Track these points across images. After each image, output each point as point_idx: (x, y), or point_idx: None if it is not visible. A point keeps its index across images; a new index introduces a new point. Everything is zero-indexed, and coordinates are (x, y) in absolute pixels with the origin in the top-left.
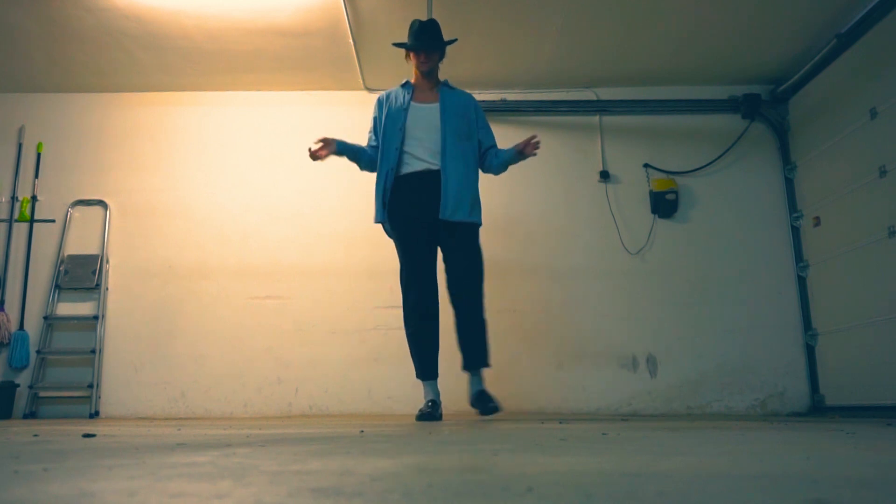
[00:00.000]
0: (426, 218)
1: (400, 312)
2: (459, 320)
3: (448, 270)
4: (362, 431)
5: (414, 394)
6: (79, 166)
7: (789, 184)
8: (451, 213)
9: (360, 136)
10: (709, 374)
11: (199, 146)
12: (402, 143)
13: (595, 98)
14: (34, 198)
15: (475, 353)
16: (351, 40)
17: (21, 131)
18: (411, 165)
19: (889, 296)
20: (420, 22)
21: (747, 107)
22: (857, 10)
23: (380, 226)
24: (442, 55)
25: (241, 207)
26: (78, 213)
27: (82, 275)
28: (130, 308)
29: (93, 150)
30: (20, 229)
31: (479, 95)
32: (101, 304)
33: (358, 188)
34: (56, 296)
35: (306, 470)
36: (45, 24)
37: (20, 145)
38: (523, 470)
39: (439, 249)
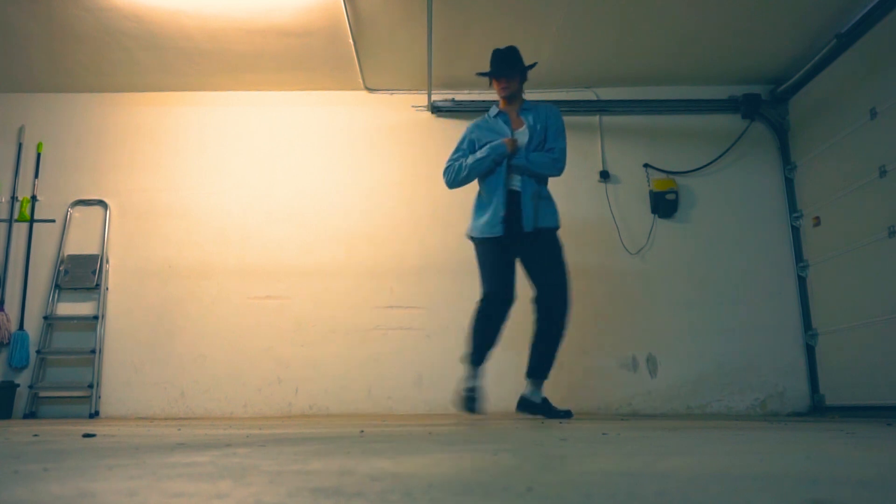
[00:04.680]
0: (515, 232)
1: (400, 312)
2: (542, 330)
3: (535, 285)
4: (362, 431)
5: (414, 394)
6: (79, 166)
7: (789, 184)
8: (531, 224)
9: (359, 135)
10: (709, 374)
11: (199, 146)
12: (509, 166)
13: (595, 98)
14: (34, 198)
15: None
16: (351, 40)
17: (21, 131)
18: (513, 184)
19: (889, 296)
20: (499, 50)
21: (747, 107)
22: (857, 10)
23: (378, 226)
24: (522, 79)
25: (242, 207)
26: (78, 213)
27: (82, 275)
28: (130, 308)
29: (93, 150)
30: (20, 229)
31: (479, 95)
32: (101, 304)
33: (358, 188)
34: (56, 296)
35: (306, 470)
36: (45, 24)
37: (20, 145)
38: (523, 470)
39: (520, 266)
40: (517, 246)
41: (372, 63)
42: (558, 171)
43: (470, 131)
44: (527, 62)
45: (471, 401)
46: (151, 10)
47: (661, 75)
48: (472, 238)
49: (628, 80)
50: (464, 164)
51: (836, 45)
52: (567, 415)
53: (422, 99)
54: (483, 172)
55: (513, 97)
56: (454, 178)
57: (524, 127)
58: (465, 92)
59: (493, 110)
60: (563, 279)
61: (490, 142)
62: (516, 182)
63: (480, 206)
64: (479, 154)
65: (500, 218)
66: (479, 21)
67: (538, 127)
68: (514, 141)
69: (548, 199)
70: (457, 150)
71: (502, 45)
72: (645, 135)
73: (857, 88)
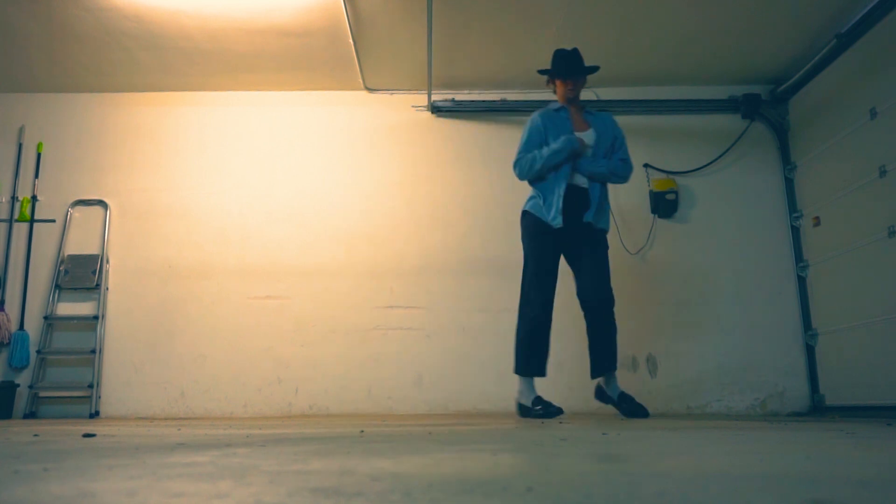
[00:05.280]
0: (570, 228)
1: (400, 312)
2: (598, 325)
3: (586, 276)
4: (362, 431)
5: (414, 394)
6: (79, 166)
7: (789, 184)
8: (594, 219)
9: (359, 135)
10: (709, 374)
11: (199, 146)
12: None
13: (595, 98)
14: (34, 198)
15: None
16: (351, 40)
17: (21, 131)
18: (574, 179)
19: (889, 296)
20: (564, 51)
21: (747, 107)
22: (857, 10)
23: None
24: (584, 82)
25: (241, 207)
26: (78, 213)
27: (82, 275)
28: (130, 308)
29: (93, 150)
30: (20, 229)
31: (479, 95)
32: (101, 304)
33: (358, 188)
34: (56, 296)
35: (306, 470)
36: (45, 24)
37: (20, 145)
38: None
39: (567, 261)
40: (569, 239)
41: (372, 63)
42: (627, 179)
43: (536, 122)
44: (526, 62)
45: (548, 406)
46: (151, 10)
47: (661, 75)
48: (526, 213)
49: (628, 80)
50: (538, 156)
51: (836, 45)
52: (645, 413)
53: (422, 99)
54: (555, 166)
55: (575, 99)
56: (528, 170)
57: (590, 130)
58: (465, 92)
59: (555, 105)
60: (608, 277)
61: (555, 137)
62: (580, 179)
63: (541, 192)
64: (554, 146)
65: (559, 209)
66: (479, 21)
67: (607, 135)
68: (583, 141)
69: (608, 203)
70: (526, 142)
71: (502, 45)
72: (645, 135)
73: (857, 88)
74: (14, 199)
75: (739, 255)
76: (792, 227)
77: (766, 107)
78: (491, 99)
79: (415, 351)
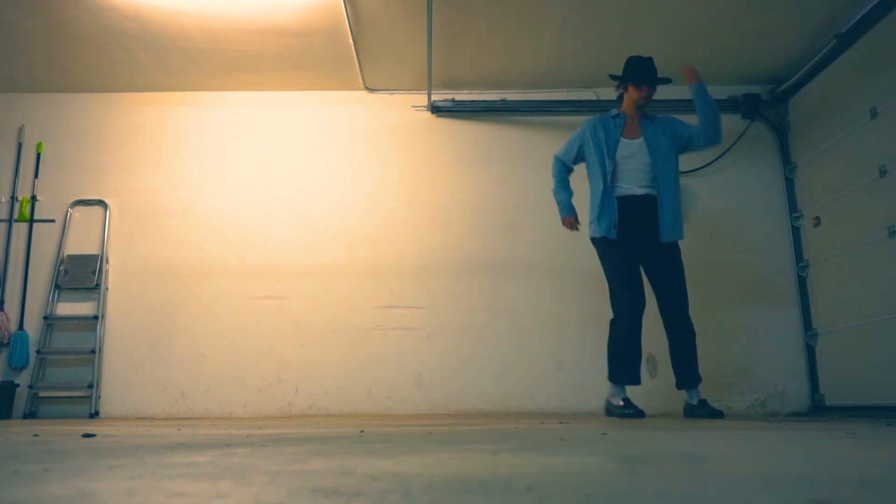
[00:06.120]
0: (640, 238)
1: (400, 312)
2: (679, 338)
3: (663, 290)
4: (362, 431)
5: (414, 394)
6: (79, 166)
7: (789, 184)
8: (670, 235)
9: (359, 135)
10: (709, 374)
11: (199, 146)
12: (615, 171)
13: (595, 98)
14: (34, 198)
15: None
16: (351, 40)
17: (21, 131)
18: (621, 190)
19: (889, 296)
20: (642, 58)
21: (747, 107)
22: (857, 10)
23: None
24: (655, 91)
25: (242, 207)
26: (78, 213)
27: (82, 275)
28: (130, 308)
29: (93, 150)
30: (20, 229)
31: (480, 95)
32: (101, 304)
33: (358, 188)
34: (56, 296)
35: (306, 470)
36: (45, 24)
37: (20, 145)
38: (523, 470)
39: (646, 275)
40: (641, 252)
41: (372, 63)
42: (720, 135)
43: (584, 132)
44: (526, 62)
45: (629, 408)
46: (151, 10)
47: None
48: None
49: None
50: (554, 182)
51: (836, 45)
52: (720, 414)
53: (422, 99)
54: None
55: (644, 106)
56: (553, 179)
57: (640, 139)
58: (465, 92)
59: (613, 111)
60: (684, 290)
61: (599, 149)
62: (632, 188)
63: (592, 207)
64: (558, 195)
65: (614, 223)
66: (480, 21)
67: (660, 139)
68: (572, 221)
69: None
70: (568, 148)
71: (502, 45)
72: None
73: (857, 88)
74: (14, 199)
75: (739, 254)
76: (792, 227)
77: (766, 107)
78: (491, 99)
79: (415, 351)
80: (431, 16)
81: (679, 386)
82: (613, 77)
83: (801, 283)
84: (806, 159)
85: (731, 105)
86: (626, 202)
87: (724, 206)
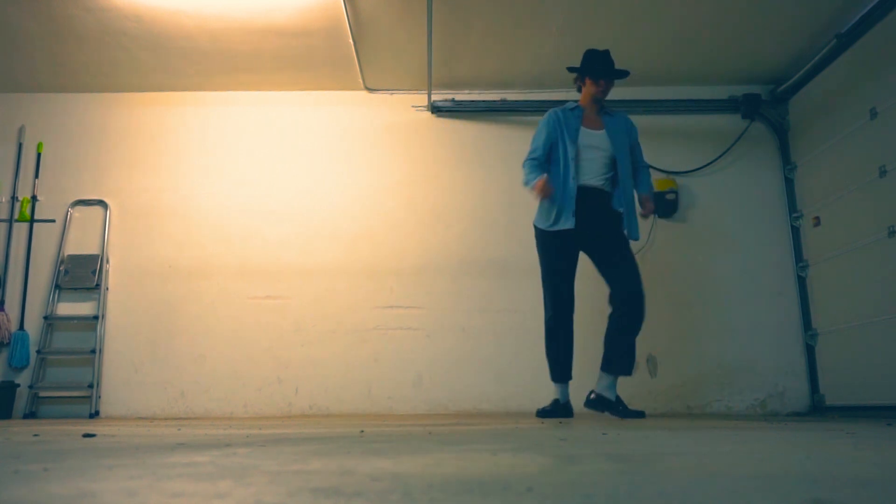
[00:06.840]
0: (591, 231)
1: (400, 312)
2: (622, 326)
3: (615, 280)
4: (362, 431)
5: (414, 394)
6: (79, 166)
7: (789, 184)
8: (635, 234)
9: (359, 135)
10: (709, 374)
11: (199, 146)
12: (576, 160)
13: None
14: (34, 198)
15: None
16: (351, 40)
17: (21, 131)
18: (579, 180)
19: (889, 296)
20: (598, 51)
21: (747, 107)
22: (857, 10)
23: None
24: (612, 85)
25: (242, 207)
26: (78, 213)
27: (82, 275)
28: (130, 308)
29: (93, 150)
30: (20, 229)
31: (479, 95)
32: (101, 304)
33: (358, 188)
34: (56, 296)
35: (306, 470)
36: (45, 24)
37: (20, 145)
38: (523, 470)
39: (593, 262)
40: (586, 240)
41: (372, 63)
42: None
43: (546, 125)
44: (526, 62)
45: (556, 407)
46: (152, 10)
47: (661, 75)
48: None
49: (628, 80)
50: (525, 174)
51: (836, 45)
52: (640, 415)
53: (422, 99)
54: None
55: (601, 100)
56: (524, 178)
57: (602, 131)
58: (465, 92)
59: (571, 104)
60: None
61: (562, 136)
62: (591, 180)
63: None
64: (528, 176)
65: (571, 211)
66: (479, 21)
67: (621, 137)
68: (544, 185)
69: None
70: (534, 147)
71: (502, 45)
72: (645, 135)
73: (857, 88)
74: (14, 199)
75: (739, 254)
76: (792, 227)
77: (766, 107)
78: (491, 99)
79: (415, 351)
80: (431, 16)
81: (611, 370)
82: (571, 70)
83: (801, 282)
84: (806, 159)
85: (731, 105)
86: (583, 193)
87: (724, 206)
